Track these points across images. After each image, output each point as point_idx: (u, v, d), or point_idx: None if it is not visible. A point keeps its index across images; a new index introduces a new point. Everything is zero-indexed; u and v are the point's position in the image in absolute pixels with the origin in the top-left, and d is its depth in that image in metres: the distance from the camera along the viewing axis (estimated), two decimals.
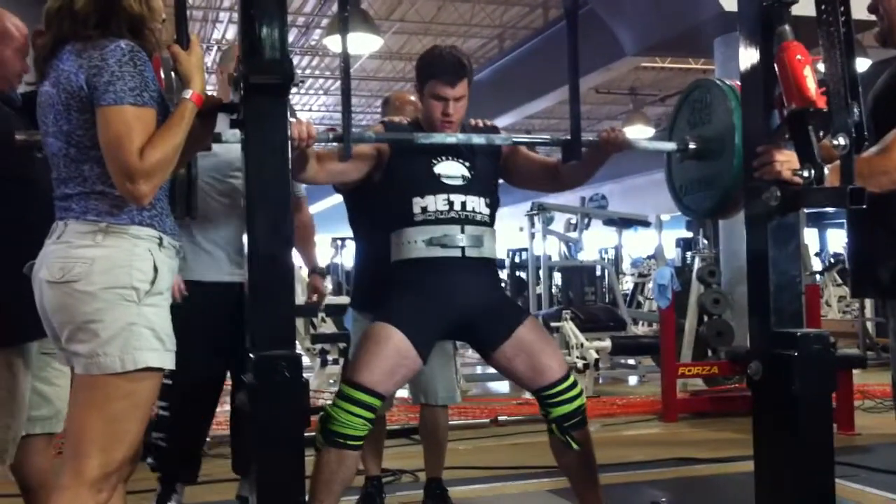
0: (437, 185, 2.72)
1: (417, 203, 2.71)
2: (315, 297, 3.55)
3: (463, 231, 2.70)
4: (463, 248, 2.70)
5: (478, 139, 2.78)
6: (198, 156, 3.03)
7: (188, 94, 1.98)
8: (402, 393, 5.06)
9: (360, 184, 3.06)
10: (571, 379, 2.75)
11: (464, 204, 2.73)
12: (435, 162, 2.74)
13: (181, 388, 2.94)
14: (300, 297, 5.25)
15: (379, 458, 3.54)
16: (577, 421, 2.72)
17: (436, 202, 2.71)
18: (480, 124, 2.92)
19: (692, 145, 2.77)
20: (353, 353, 2.72)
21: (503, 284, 12.38)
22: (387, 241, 2.79)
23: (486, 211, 2.78)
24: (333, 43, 9.04)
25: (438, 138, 2.74)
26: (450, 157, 2.76)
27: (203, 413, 3.16)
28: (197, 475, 3.23)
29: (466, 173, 2.76)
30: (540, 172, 2.97)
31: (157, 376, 1.97)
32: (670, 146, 2.83)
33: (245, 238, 2.92)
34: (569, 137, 2.72)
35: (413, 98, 3.38)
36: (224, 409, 3.65)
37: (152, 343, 1.92)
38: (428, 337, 2.67)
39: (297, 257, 2.97)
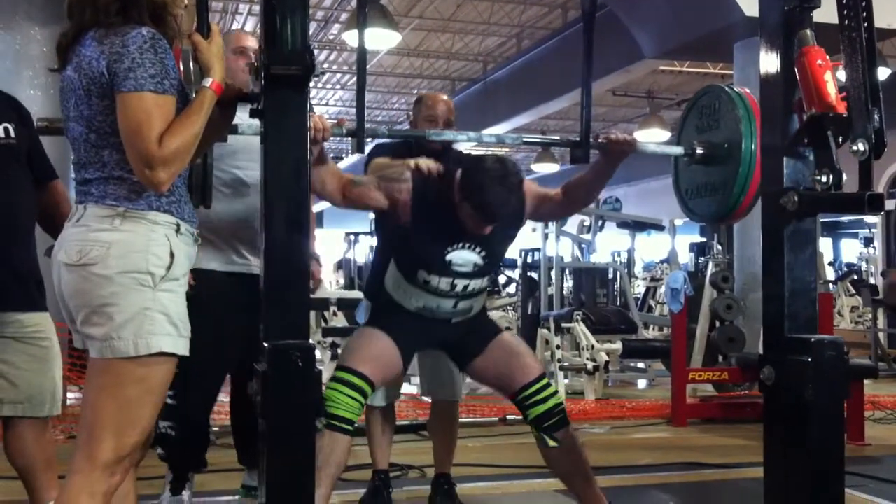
0: (445, 270, 2.85)
1: (422, 275, 2.85)
2: (311, 284, 3.57)
3: (455, 306, 2.89)
4: (451, 318, 2.93)
5: (488, 138, 2.86)
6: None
7: (208, 82, 1.98)
8: (411, 388, 5.08)
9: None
10: (545, 380, 2.87)
11: (466, 286, 2.88)
12: (449, 249, 2.84)
13: (183, 375, 2.95)
14: None
15: (387, 453, 3.54)
16: (556, 420, 2.80)
17: (440, 282, 2.85)
18: None
19: (699, 150, 2.78)
20: (344, 348, 2.89)
21: (515, 285, 12.34)
22: None
23: (485, 285, 2.97)
24: (352, 37, 9.03)
25: (449, 136, 2.82)
26: (466, 246, 2.85)
27: (204, 401, 3.15)
28: (205, 461, 3.24)
29: (479, 261, 2.88)
30: (554, 207, 3.10)
31: (171, 362, 1.97)
32: (678, 150, 2.84)
33: (251, 228, 2.98)
34: (578, 139, 2.75)
35: (445, 97, 3.45)
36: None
37: (166, 328, 1.93)
38: (410, 347, 2.86)
39: None
